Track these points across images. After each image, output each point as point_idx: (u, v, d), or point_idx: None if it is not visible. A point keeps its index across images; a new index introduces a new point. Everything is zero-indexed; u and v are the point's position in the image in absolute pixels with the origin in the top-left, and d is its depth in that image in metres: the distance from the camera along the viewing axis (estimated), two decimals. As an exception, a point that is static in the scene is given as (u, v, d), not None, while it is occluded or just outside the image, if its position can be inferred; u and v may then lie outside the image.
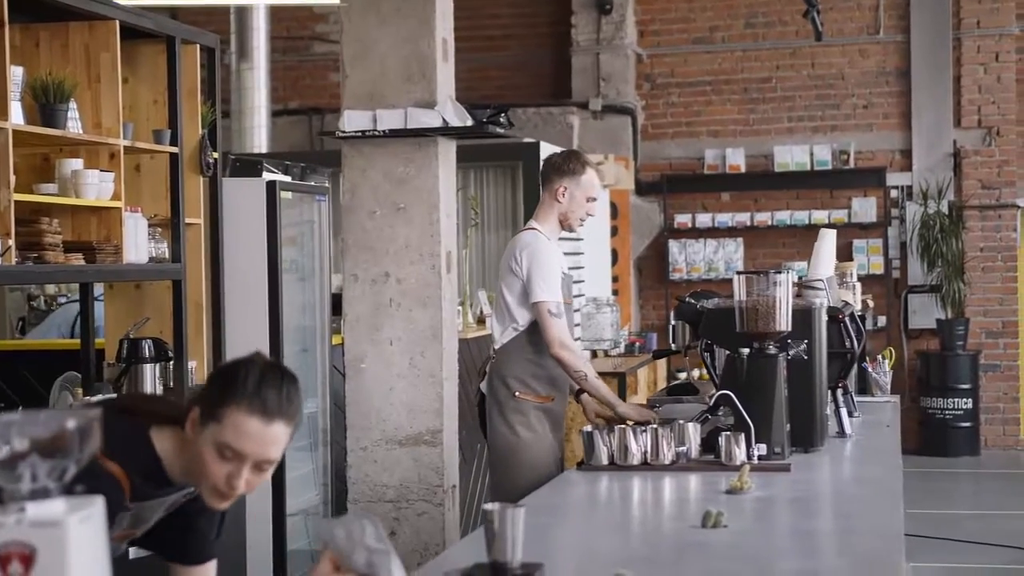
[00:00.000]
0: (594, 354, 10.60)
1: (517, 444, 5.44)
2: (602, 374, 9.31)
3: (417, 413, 5.80)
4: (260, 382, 2.71)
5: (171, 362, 5.86)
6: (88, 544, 1.81)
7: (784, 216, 13.26)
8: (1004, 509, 10.43)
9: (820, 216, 13.06)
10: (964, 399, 12.73)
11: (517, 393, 5.45)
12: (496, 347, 5.56)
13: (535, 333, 5.40)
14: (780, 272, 4.61)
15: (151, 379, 5.68)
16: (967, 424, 12.76)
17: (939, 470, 12.15)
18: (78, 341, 6.10)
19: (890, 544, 3.22)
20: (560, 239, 5.60)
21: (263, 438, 2.69)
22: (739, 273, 4.66)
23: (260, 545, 6.33)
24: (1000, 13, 13.10)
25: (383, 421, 5.81)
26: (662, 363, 11.53)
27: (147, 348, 5.70)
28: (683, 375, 11.06)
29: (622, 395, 9.11)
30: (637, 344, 11.22)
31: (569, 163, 5.56)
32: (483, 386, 5.67)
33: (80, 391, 5.68)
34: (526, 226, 5.66)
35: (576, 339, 9.88)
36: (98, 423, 1.86)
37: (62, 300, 8.58)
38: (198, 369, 6.13)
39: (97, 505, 1.84)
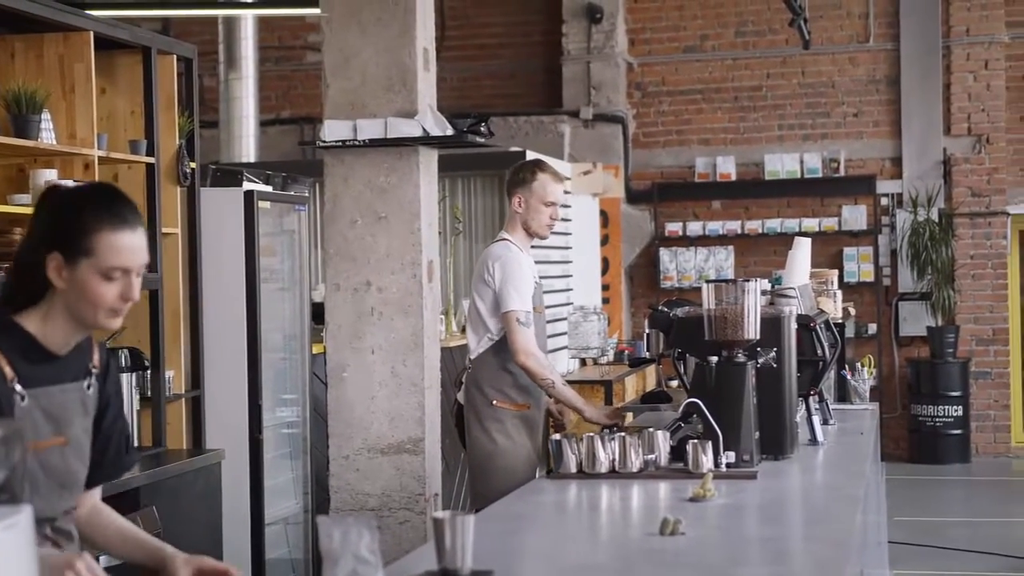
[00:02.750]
0: (582, 362, 10.61)
1: (495, 451, 5.50)
2: (589, 382, 9.43)
3: (399, 422, 5.80)
4: (108, 202, 2.86)
5: (148, 371, 5.87)
6: (10, 553, 1.82)
7: (775, 224, 13.26)
8: (994, 516, 10.43)
9: (811, 224, 13.06)
10: (955, 406, 12.73)
11: (495, 401, 5.51)
12: (472, 357, 5.60)
13: (509, 342, 5.45)
14: (748, 281, 4.62)
15: (128, 388, 5.68)
16: (958, 431, 12.77)
17: (930, 477, 12.16)
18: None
19: (841, 550, 3.23)
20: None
21: (136, 246, 2.86)
22: (708, 281, 4.68)
23: (238, 553, 6.32)
24: (990, 20, 13.10)
25: (365, 430, 5.81)
26: (651, 371, 11.53)
27: (124, 358, 5.72)
28: (675, 383, 11.04)
29: (608, 403, 9.13)
30: (627, 352, 11.22)
31: (519, 173, 5.64)
32: (460, 396, 5.70)
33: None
34: (497, 238, 5.71)
35: (562, 347, 10.00)
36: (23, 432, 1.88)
37: None
38: (175, 379, 6.14)
39: (24, 513, 1.85)
